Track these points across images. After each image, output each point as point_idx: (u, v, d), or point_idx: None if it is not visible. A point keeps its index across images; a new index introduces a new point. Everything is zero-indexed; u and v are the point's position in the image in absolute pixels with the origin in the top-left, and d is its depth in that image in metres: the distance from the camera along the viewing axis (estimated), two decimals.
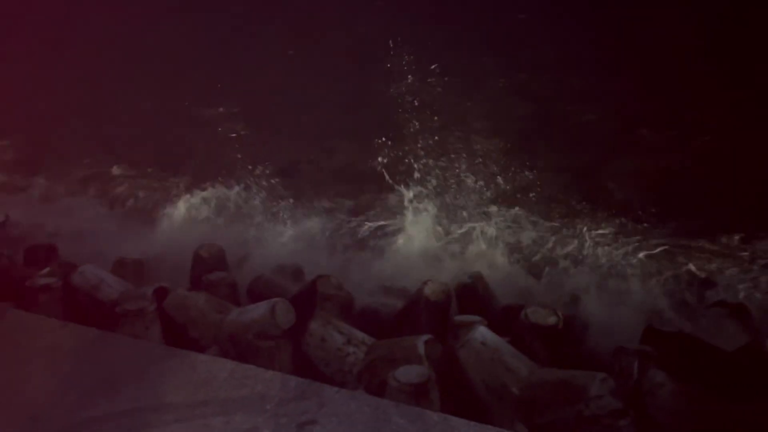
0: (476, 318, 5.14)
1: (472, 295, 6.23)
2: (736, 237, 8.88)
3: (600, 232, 9.53)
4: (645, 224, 9.39)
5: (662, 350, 4.85)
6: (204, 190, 10.31)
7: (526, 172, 11.16)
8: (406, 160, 10.62)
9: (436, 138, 11.39)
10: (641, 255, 8.82)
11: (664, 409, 4.11)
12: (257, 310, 5.22)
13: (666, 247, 9.07)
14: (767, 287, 7.40)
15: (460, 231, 9.06)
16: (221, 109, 15.36)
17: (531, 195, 10.70)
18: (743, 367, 4.72)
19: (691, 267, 8.26)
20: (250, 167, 11.00)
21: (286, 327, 5.09)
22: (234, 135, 13.45)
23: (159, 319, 5.39)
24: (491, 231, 9.09)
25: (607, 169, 11.78)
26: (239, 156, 11.47)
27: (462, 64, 16.12)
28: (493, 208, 10.05)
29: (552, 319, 5.19)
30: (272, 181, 10.84)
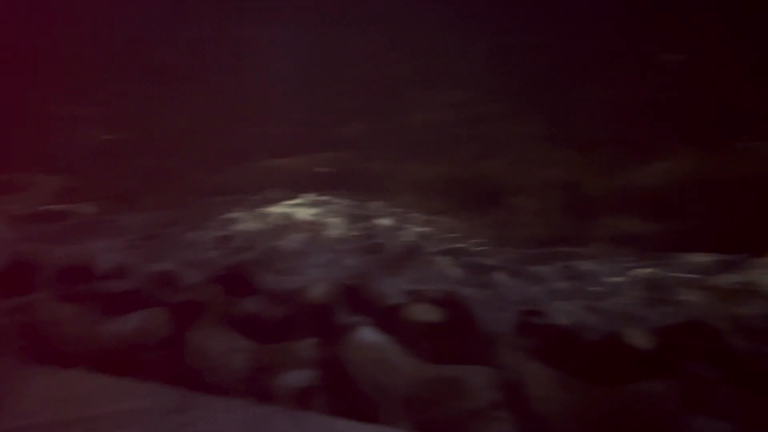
0: (361, 319, 5.17)
1: (357, 295, 6.25)
2: None
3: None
4: None
5: (537, 341, 5.12)
6: None
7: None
8: None
9: None
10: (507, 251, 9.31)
11: (539, 399, 4.31)
12: (132, 321, 4.95)
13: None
14: None
15: None
16: None
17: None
18: (607, 354, 5.09)
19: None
20: None
21: (163, 336, 4.87)
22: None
23: (19, 333, 4.99)
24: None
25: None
26: None
27: None
28: None
29: (435, 316, 5.30)
30: None
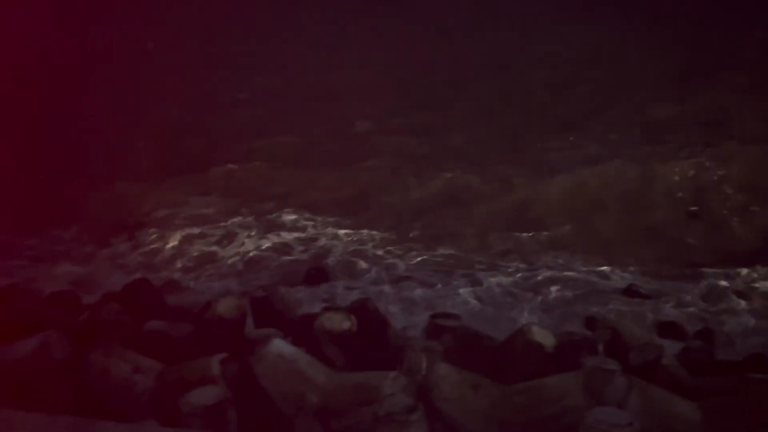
0: (272, 331, 5.10)
1: (268, 307, 6.18)
2: None
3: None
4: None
5: (446, 344, 5.23)
6: None
7: None
8: None
9: None
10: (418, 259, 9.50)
11: (449, 400, 4.39)
12: (26, 346, 4.67)
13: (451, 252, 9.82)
14: None
15: None
16: None
17: None
18: (514, 354, 5.27)
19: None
20: None
21: (60, 360, 4.62)
22: None
23: None
24: None
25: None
26: None
27: None
28: None
29: (346, 324, 5.31)
30: None
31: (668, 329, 6.97)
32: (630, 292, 8.11)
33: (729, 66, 16.44)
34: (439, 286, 8.34)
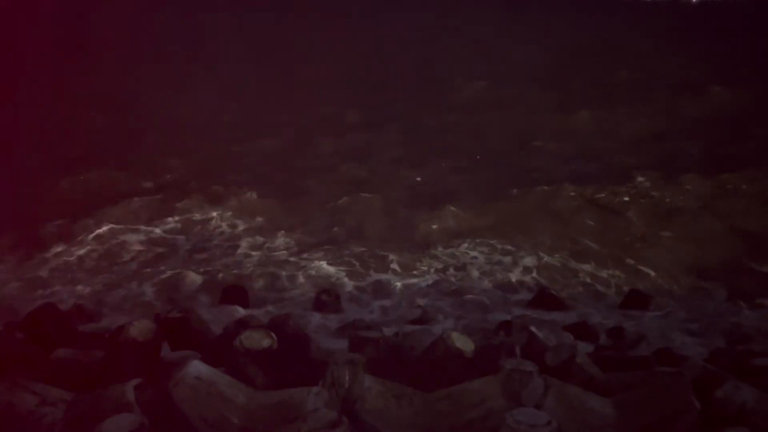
0: (189, 353, 4.95)
1: (184, 328, 5.99)
2: None
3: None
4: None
5: (368, 355, 5.23)
6: None
7: None
8: None
9: None
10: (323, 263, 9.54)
11: (373, 412, 4.39)
12: None
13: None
14: None
15: None
16: None
17: None
18: (435, 361, 5.33)
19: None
20: None
21: None
22: None
23: None
24: None
25: None
26: None
27: None
28: None
29: (266, 342, 5.22)
30: None
31: (579, 329, 7.25)
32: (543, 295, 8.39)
33: None
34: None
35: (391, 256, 9.76)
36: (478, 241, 10.49)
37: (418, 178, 13.00)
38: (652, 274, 9.75)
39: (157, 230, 10.61)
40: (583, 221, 11.46)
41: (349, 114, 16.22)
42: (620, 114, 16.04)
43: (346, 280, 9.06)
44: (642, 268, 9.91)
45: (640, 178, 13.07)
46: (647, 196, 12.51)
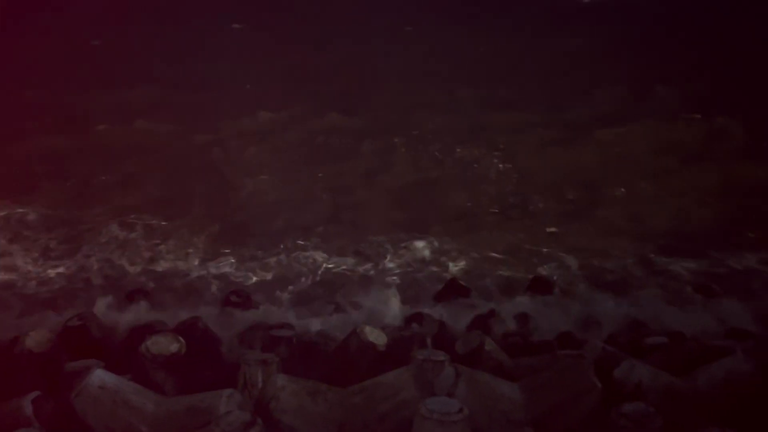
0: (91, 361, 4.74)
1: (85, 336, 5.73)
2: None
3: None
4: None
5: (281, 355, 5.19)
6: None
7: None
8: None
9: None
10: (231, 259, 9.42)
11: (288, 411, 4.37)
12: None
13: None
14: None
15: None
16: None
17: None
18: (349, 356, 5.36)
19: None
20: None
21: None
22: None
23: None
24: None
25: None
26: None
27: None
28: None
29: (174, 347, 5.08)
30: None
31: (488, 317, 7.48)
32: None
33: None
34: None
35: (306, 253, 9.69)
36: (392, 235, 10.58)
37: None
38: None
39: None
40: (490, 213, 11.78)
41: None
42: None
43: (254, 278, 8.93)
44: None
45: None
46: None
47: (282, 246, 9.88)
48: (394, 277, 9.18)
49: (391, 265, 9.55)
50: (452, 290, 8.03)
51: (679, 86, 15.47)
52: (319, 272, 9.31)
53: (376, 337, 5.38)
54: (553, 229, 10.98)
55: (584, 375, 4.61)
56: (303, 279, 9.06)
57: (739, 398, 4.57)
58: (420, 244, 10.18)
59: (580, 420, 4.46)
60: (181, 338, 5.17)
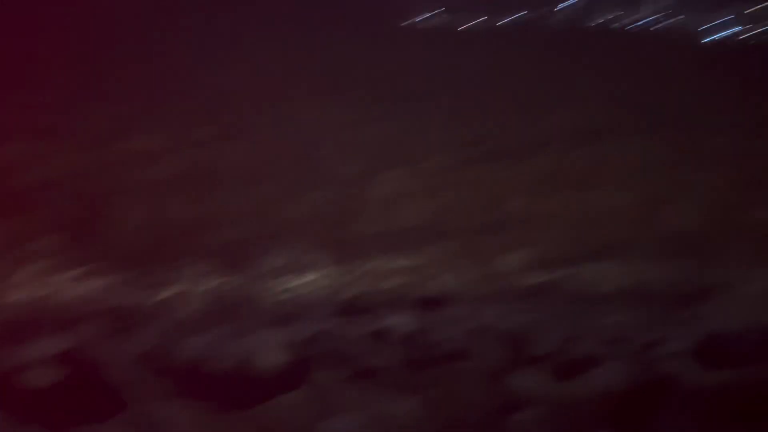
0: None
1: None
2: None
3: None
4: None
5: (174, 380, 4.99)
6: None
7: None
8: None
9: None
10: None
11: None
12: None
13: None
14: None
15: None
16: None
17: None
18: (246, 379, 5.23)
19: None
20: None
21: None
22: None
23: None
24: None
25: None
26: None
27: None
28: None
29: (56, 377, 4.78)
30: None
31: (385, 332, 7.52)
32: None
33: None
34: None
35: (188, 270, 9.36)
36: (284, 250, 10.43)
37: None
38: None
39: None
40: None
41: None
42: None
43: (141, 300, 8.54)
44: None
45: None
46: None
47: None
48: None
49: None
50: (350, 307, 8.04)
51: None
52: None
53: (273, 357, 5.28)
54: None
55: (478, 385, 4.74)
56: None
57: (618, 403, 4.85)
58: None
59: (478, 429, 4.57)
60: (63, 368, 4.88)
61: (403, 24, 20.17)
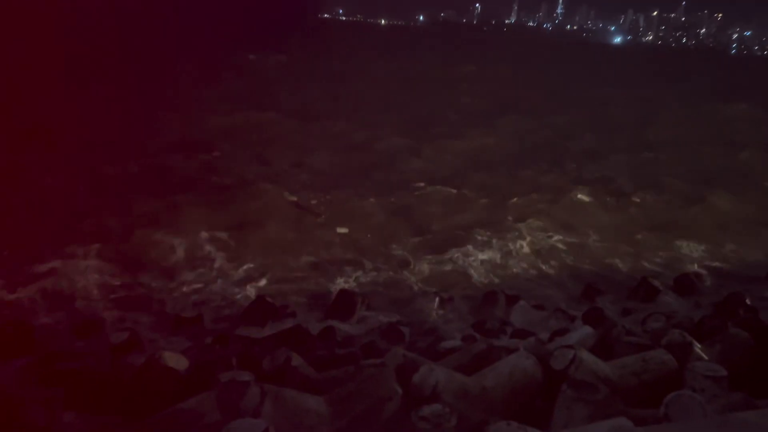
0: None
1: None
2: None
3: None
4: None
5: (69, 388, 4.73)
6: None
7: None
8: None
9: None
10: None
11: None
12: None
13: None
14: None
15: None
16: None
17: None
18: (149, 384, 5.02)
19: None
20: None
21: None
22: None
23: None
24: None
25: None
26: None
27: None
28: None
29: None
30: None
31: (296, 333, 7.47)
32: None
33: None
34: None
35: (90, 277, 8.98)
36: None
37: None
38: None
39: None
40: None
41: None
42: None
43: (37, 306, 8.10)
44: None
45: None
46: None
47: None
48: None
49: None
50: (259, 309, 7.93)
51: None
52: None
53: (176, 362, 5.10)
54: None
55: (386, 382, 4.77)
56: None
57: (522, 391, 5.03)
58: None
59: (383, 426, 4.60)
60: None
61: None
